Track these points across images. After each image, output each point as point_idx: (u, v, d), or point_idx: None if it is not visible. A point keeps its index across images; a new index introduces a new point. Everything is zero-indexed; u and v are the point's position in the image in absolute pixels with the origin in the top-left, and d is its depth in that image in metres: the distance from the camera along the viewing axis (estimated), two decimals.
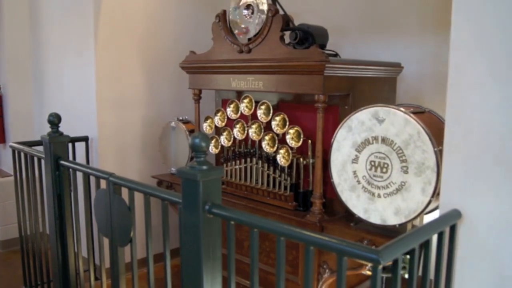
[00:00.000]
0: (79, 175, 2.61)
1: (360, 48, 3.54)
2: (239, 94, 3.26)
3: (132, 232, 2.18)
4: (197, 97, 3.26)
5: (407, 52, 3.29)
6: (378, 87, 2.86)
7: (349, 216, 2.66)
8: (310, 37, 2.79)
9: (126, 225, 2.21)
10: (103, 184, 2.34)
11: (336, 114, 2.68)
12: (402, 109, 2.24)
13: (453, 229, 1.72)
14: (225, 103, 3.32)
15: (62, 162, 2.68)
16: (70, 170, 2.66)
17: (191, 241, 1.76)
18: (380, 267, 1.28)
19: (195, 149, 1.74)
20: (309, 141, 2.70)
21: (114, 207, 2.26)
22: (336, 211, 2.72)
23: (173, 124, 3.58)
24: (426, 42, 3.29)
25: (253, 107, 2.90)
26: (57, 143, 2.70)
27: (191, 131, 3.49)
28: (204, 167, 1.72)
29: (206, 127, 3.24)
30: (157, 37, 3.96)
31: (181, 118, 3.60)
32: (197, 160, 1.74)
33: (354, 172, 2.42)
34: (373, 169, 2.35)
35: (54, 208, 2.72)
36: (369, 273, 2.55)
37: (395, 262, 1.37)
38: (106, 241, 2.41)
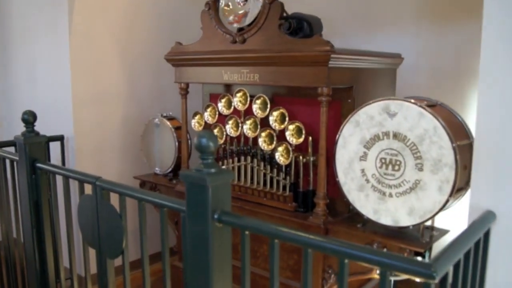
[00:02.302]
0: (59, 179, 2.35)
1: (349, 40, 3.39)
2: (228, 88, 3.05)
3: (124, 243, 1.95)
4: (184, 92, 3.03)
5: (400, 44, 3.16)
6: (380, 79, 2.72)
7: (353, 217, 2.50)
8: (306, 27, 2.60)
9: (116, 234, 1.98)
10: (87, 189, 2.09)
11: (338, 108, 2.51)
12: (416, 102, 2.09)
13: (487, 232, 1.57)
14: (214, 98, 3.10)
15: (39, 165, 2.41)
16: (49, 174, 2.40)
17: (198, 254, 1.55)
18: (435, 281, 1.11)
19: (201, 150, 1.53)
20: (310, 137, 2.52)
21: (102, 214, 2.03)
22: (339, 212, 2.56)
23: (156, 121, 3.34)
24: (421, 33, 3.17)
25: (248, 102, 2.70)
26: (33, 144, 2.43)
27: (177, 128, 3.26)
28: (213, 170, 1.51)
29: (194, 124, 3.02)
30: (136, 27, 3.69)
31: (165, 115, 3.37)
32: (204, 162, 1.54)
33: (362, 171, 2.26)
34: (383, 166, 2.19)
35: (30, 216, 2.45)
36: (377, 276, 2.40)
37: (445, 276, 1.20)
38: (92, 251, 2.17)
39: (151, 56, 3.77)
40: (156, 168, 3.39)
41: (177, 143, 3.21)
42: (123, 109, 3.66)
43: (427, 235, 2.22)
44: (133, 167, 3.72)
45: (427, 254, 2.18)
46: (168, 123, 3.27)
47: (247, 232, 1.49)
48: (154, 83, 3.85)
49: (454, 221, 2.44)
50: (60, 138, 3.37)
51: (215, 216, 1.51)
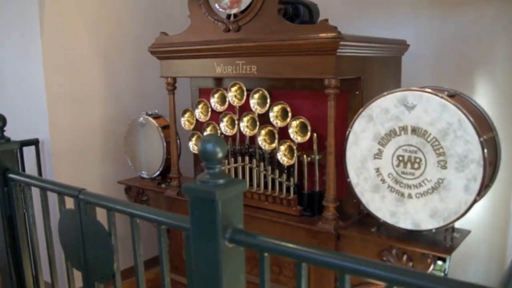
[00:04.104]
0: (36, 190, 2.07)
1: (344, 27, 3.16)
2: (220, 82, 2.80)
3: (116, 265, 1.69)
4: (171, 87, 2.76)
5: (399, 31, 2.95)
6: (387, 68, 2.51)
7: (364, 220, 2.30)
8: (303, 12, 2.37)
9: (105, 255, 1.72)
10: (69, 202, 1.82)
11: (345, 101, 2.28)
12: (436, 92, 1.88)
13: None
14: (204, 93, 2.85)
15: (12, 175, 2.12)
16: (23, 185, 2.11)
17: (207, 279, 1.31)
18: None
19: (206, 157, 1.28)
20: (315, 134, 2.29)
21: (87, 232, 1.76)
22: (348, 214, 2.35)
23: (141, 120, 3.06)
24: (420, 19, 2.96)
25: (245, 97, 2.45)
26: (4, 152, 2.14)
27: (164, 128, 2.99)
28: (221, 181, 1.27)
29: (184, 122, 2.76)
30: (114, 18, 3.38)
31: (150, 113, 3.09)
32: (210, 172, 1.29)
33: (377, 170, 2.04)
34: (401, 165, 1.98)
35: (4, 233, 2.16)
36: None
37: None
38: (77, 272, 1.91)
39: (131, 50, 3.48)
40: (143, 172, 3.12)
41: (165, 144, 2.95)
42: (102, 108, 3.36)
43: (449, 238, 2.03)
44: (116, 171, 3.43)
45: (448, 259, 1.99)
46: (154, 121, 3.00)
47: (266, 254, 1.26)
48: (136, 78, 3.56)
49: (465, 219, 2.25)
50: (35, 142, 3.06)
51: (226, 235, 1.27)
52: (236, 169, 2.57)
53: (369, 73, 2.29)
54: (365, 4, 3.08)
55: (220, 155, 1.28)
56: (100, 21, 3.30)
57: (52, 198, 2.04)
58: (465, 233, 2.11)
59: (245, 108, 2.50)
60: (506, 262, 2.78)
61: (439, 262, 1.99)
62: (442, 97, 1.85)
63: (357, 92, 2.26)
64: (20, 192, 2.16)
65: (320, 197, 2.37)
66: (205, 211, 1.27)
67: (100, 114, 3.35)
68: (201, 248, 1.31)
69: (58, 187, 1.87)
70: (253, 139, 2.50)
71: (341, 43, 1.99)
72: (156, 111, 3.13)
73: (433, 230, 1.94)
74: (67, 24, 3.10)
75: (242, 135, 2.53)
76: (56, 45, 3.04)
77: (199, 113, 2.68)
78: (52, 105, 3.06)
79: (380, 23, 3.03)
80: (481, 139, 1.78)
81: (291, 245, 1.23)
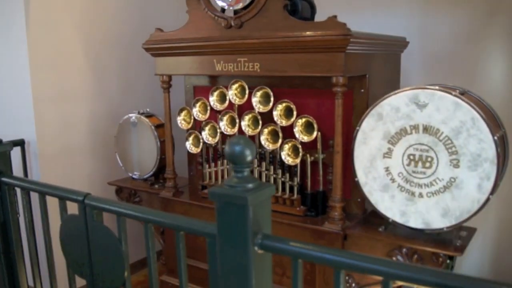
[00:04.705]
0: (33, 196, 1.96)
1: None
2: (215, 80, 2.72)
3: (126, 273, 1.60)
4: (167, 85, 2.67)
5: (391, 27, 2.94)
6: (389, 66, 2.49)
7: (369, 219, 2.28)
8: (302, 8, 2.32)
9: (114, 263, 1.63)
10: (71, 207, 1.73)
11: (349, 99, 2.25)
12: (449, 91, 1.87)
13: None
14: (199, 92, 2.77)
15: (5, 179, 2.00)
16: (16, 189, 2.00)
17: (235, 286, 1.25)
18: None
19: (235, 160, 1.23)
20: (319, 133, 2.25)
21: (94, 239, 1.67)
22: (352, 214, 2.33)
23: (133, 119, 2.96)
24: (412, 14, 2.96)
25: (246, 95, 2.39)
26: None
27: (158, 127, 2.90)
28: (251, 185, 1.22)
29: (180, 121, 2.67)
30: (101, 13, 3.25)
31: (142, 112, 2.99)
32: (238, 175, 1.24)
33: (387, 169, 2.02)
34: (412, 164, 1.96)
35: None
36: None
37: None
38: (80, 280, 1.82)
39: (119, 46, 3.36)
40: (135, 172, 3.02)
41: (159, 143, 2.85)
42: (90, 107, 3.23)
43: (457, 236, 2.03)
44: (105, 171, 3.31)
45: (455, 257, 1.99)
46: (147, 120, 2.90)
47: (300, 261, 1.21)
48: (124, 76, 3.44)
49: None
50: (20, 143, 2.90)
51: (256, 241, 1.22)
52: None
53: (374, 71, 2.27)
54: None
55: (249, 157, 1.23)
56: (87, 14, 3.16)
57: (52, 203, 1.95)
58: (471, 231, 2.12)
59: (244, 107, 2.44)
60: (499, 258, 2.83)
61: (447, 261, 1.99)
62: (455, 95, 1.84)
63: (362, 90, 2.23)
64: (13, 197, 2.05)
65: (323, 197, 2.34)
66: (235, 217, 1.21)
67: (88, 113, 3.22)
68: (228, 255, 1.25)
69: (60, 191, 1.77)
70: (253, 138, 2.44)
71: (352, 40, 1.95)
72: (148, 109, 3.03)
73: (444, 229, 1.93)
74: (52, 16, 2.95)
75: (241, 134, 2.47)
76: (41, 39, 2.89)
77: (196, 112, 2.60)
78: (38, 104, 2.92)
79: (372, 17, 3.02)
80: (495, 137, 1.78)
81: (326, 251, 1.18)
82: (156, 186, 2.94)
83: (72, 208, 1.73)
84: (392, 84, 2.55)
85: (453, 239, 1.98)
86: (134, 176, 3.05)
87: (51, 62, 2.97)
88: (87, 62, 3.19)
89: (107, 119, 3.30)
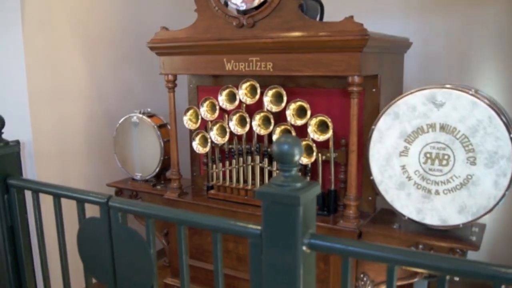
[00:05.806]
0: (42, 197, 1.89)
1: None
2: (220, 80, 2.69)
3: (154, 279, 1.56)
4: (172, 85, 2.62)
5: (386, 28, 2.99)
6: (395, 66, 2.52)
7: (381, 217, 2.31)
8: (307, 8, 2.32)
9: (141, 266, 1.59)
10: (89, 209, 1.68)
11: (361, 99, 2.26)
12: (465, 90, 1.90)
13: None
14: (204, 91, 2.74)
15: (13, 181, 1.93)
16: (27, 191, 1.93)
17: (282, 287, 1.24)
18: None
19: (283, 159, 1.21)
20: (331, 132, 2.26)
21: (118, 242, 1.63)
22: (364, 212, 2.34)
23: (135, 119, 2.89)
24: (410, 16, 3.02)
25: (258, 95, 2.37)
26: (3, 157, 1.94)
27: (161, 127, 2.85)
28: (299, 184, 1.21)
29: (186, 121, 2.63)
30: (99, 10, 3.18)
31: (143, 111, 2.93)
32: (286, 175, 1.23)
33: (403, 167, 2.05)
34: (429, 162, 1.99)
35: (4, 245, 1.96)
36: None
37: None
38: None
39: (117, 44, 3.29)
40: (137, 174, 2.95)
41: (162, 144, 2.80)
42: (87, 107, 3.15)
43: (470, 232, 2.07)
44: (103, 172, 3.23)
45: (467, 252, 2.04)
46: (149, 120, 2.84)
47: (350, 259, 1.21)
48: (122, 75, 3.36)
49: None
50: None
51: (305, 241, 1.21)
52: (244, 169, 2.50)
53: (385, 71, 2.29)
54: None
55: (297, 157, 1.21)
56: (85, 12, 3.08)
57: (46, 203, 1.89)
58: (481, 227, 2.17)
59: (252, 107, 2.43)
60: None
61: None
62: (472, 95, 1.88)
63: (373, 90, 2.26)
64: (22, 200, 1.97)
65: (335, 195, 2.35)
66: (284, 217, 1.20)
67: (85, 112, 3.14)
68: (275, 255, 1.24)
69: (79, 194, 1.71)
70: (260, 137, 2.43)
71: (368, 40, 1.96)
72: (149, 109, 2.97)
73: (460, 226, 1.97)
74: (49, 14, 2.86)
75: (249, 134, 2.45)
76: (38, 37, 2.80)
77: (204, 111, 2.57)
78: (34, 104, 2.82)
79: (370, 19, 3.05)
80: (511, 135, 1.82)
81: (378, 248, 1.19)
82: (159, 187, 2.89)
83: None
84: (397, 84, 2.59)
85: (469, 235, 2.02)
86: (136, 177, 2.99)
87: (47, 62, 2.88)
88: (83, 62, 3.11)
89: (104, 119, 3.22)
